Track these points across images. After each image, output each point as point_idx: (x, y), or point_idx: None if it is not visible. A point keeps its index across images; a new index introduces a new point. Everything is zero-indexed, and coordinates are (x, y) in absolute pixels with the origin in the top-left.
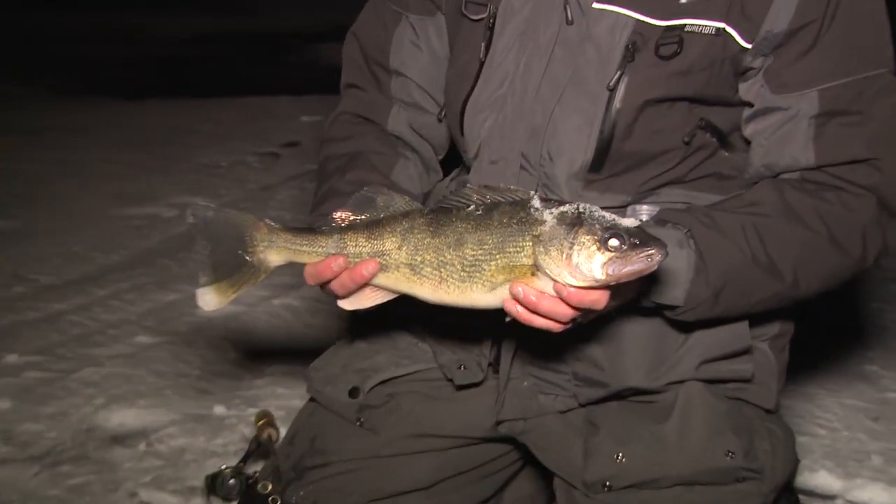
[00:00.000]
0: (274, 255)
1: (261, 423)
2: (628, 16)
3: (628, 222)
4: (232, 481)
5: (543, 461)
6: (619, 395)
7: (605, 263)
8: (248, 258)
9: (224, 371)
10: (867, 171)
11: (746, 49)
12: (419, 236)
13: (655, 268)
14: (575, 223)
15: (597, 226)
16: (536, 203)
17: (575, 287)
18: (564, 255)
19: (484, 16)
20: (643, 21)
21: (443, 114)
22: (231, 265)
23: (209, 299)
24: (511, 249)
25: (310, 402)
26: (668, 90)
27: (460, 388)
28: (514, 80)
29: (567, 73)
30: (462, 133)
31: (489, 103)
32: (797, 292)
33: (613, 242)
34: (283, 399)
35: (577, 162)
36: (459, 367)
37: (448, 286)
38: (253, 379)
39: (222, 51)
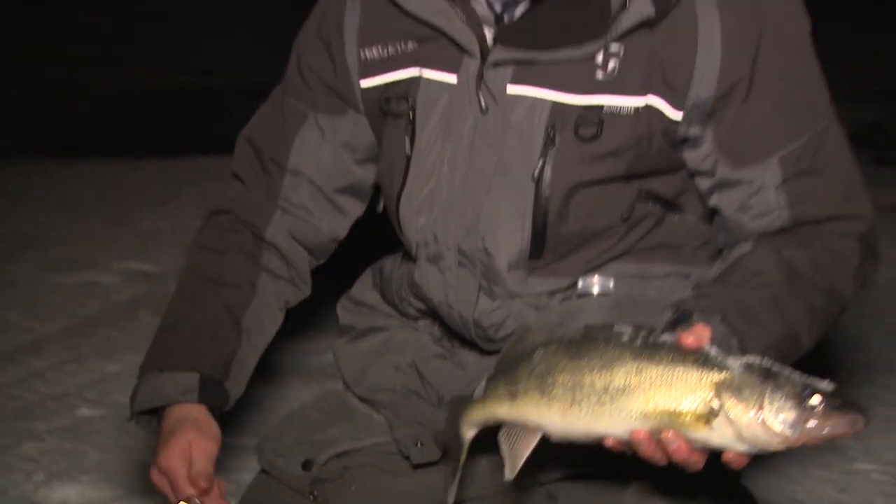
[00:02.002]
0: (465, 428)
1: None
2: (544, 98)
3: (824, 383)
4: None
5: None
6: (580, 474)
7: (801, 420)
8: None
9: None
10: (849, 224)
11: (678, 121)
12: (553, 360)
13: (850, 435)
14: (768, 375)
15: (796, 378)
16: (713, 350)
17: (762, 440)
18: (756, 406)
19: (405, 110)
20: (560, 102)
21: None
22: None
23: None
24: (682, 388)
25: (261, 475)
26: (596, 173)
27: (417, 466)
28: (441, 175)
29: (491, 164)
30: (401, 230)
31: (420, 201)
32: (807, 349)
33: (815, 399)
34: (233, 473)
35: (515, 252)
36: (416, 444)
37: (580, 410)
38: None
39: (163, 106)
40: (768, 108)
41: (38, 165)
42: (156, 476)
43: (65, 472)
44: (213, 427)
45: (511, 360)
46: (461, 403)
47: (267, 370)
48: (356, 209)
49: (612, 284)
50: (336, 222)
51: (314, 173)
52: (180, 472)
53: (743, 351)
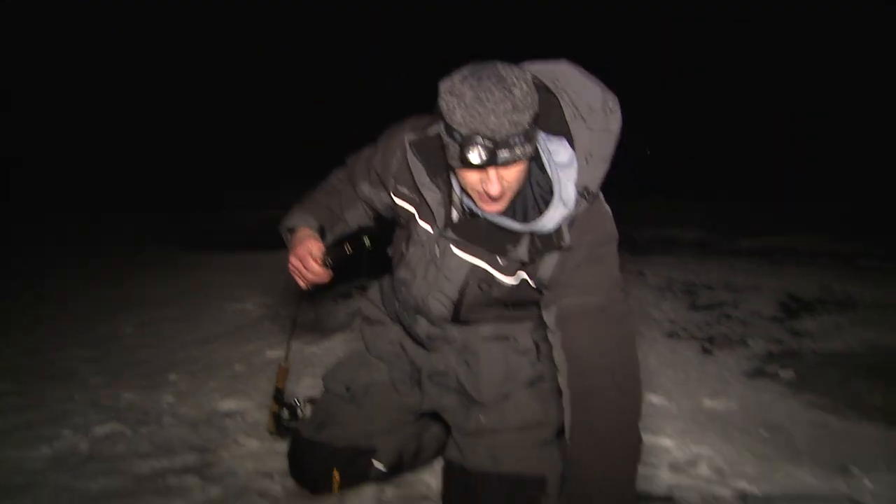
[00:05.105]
0: None
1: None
2: (470, 262)
3: None
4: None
5: (446, 418)
6: (481, 403)
7: None
8: None
9: None
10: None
11: (533, 287)
12: None
13: None
14: None
15: None
16: None
17: None
18: None
19: (406, 228)
20: (477, 266)
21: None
22: None
23: None
24: None
25: (325, 392)
26: (486, 302)
27: (402, 393)
28: (418, 269)
29: (438, 279)
30: (395, 278)
31: (408, 274)
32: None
33: None
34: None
35: (442, 317)
36: (401, 382)
37: None
38: None
39: None
40: (573, 286)
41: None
42: (293, 261)
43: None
44: (320, 241)
45: None
46: None
47: (328, 340)
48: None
49: (490, 328)
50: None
51: (363, 198)
52: (307, 255)
53: None
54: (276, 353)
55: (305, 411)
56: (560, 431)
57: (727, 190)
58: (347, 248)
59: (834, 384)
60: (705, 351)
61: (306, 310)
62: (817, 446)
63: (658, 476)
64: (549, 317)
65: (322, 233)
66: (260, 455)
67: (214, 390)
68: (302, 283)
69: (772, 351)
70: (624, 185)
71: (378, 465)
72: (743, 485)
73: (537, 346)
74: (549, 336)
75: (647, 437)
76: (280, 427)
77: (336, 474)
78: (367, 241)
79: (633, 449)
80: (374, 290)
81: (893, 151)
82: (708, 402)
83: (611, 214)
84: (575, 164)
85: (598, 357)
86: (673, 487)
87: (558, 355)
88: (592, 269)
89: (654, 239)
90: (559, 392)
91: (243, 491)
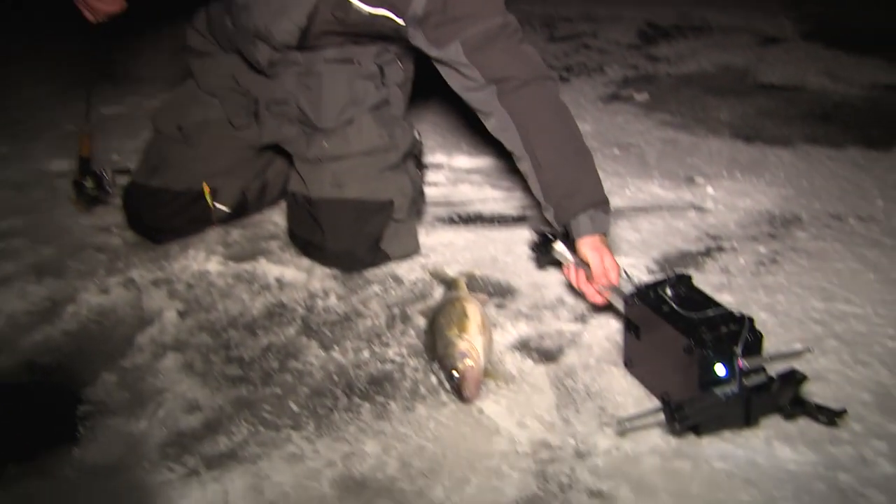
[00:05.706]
0: None
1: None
2: None
3: None
4: None
5: (287, 149)
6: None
7: None
8: None
9: None
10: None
11: (401, 24)
12: None
13: None
14: None
15: None
16: None
17: None
18: None
19: None
20: None
21: None
22: None
23: None
24: None
25: (155, 133)
26: (335, 29)
27: (237, 128)
28: None
29: (286, 3)
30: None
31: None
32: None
33: None
34: (141, 135)
35: (292, 42)
36: (237, 116)
37: None
38: None
39: None
40: (448, 17)
41: None
42: None
43: None
44: None
45: None
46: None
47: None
48: None
49: (334, 51)
50: None
51: None
52: None
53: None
54: (111, 110)
55: (113, 182)
56: (406, 156)
57: None
58: None
59: (686, 103)
60: (563, 79)
61: (151, 64)
62: (666, 161)
63: (512, 197)
64: (451, 54)
65: None
66: (96, 211)
67: (42, 152)
68: (90, 17)
69: (628, 76)
70: None
71: (221, 206)
72: None
73: (381, 71)
74: (464, 70)
75: (500, 163)
76: (83, 197)
77: (206, 187)
78: None
79: (582, 142)
80: (199, 18)
81: None
82: None
83: None
84: None
85: (517, 70)
86: (525, 207)
87: (482, 86)
88: None
89: None
90: (405, 119)
91: (80, 248)
